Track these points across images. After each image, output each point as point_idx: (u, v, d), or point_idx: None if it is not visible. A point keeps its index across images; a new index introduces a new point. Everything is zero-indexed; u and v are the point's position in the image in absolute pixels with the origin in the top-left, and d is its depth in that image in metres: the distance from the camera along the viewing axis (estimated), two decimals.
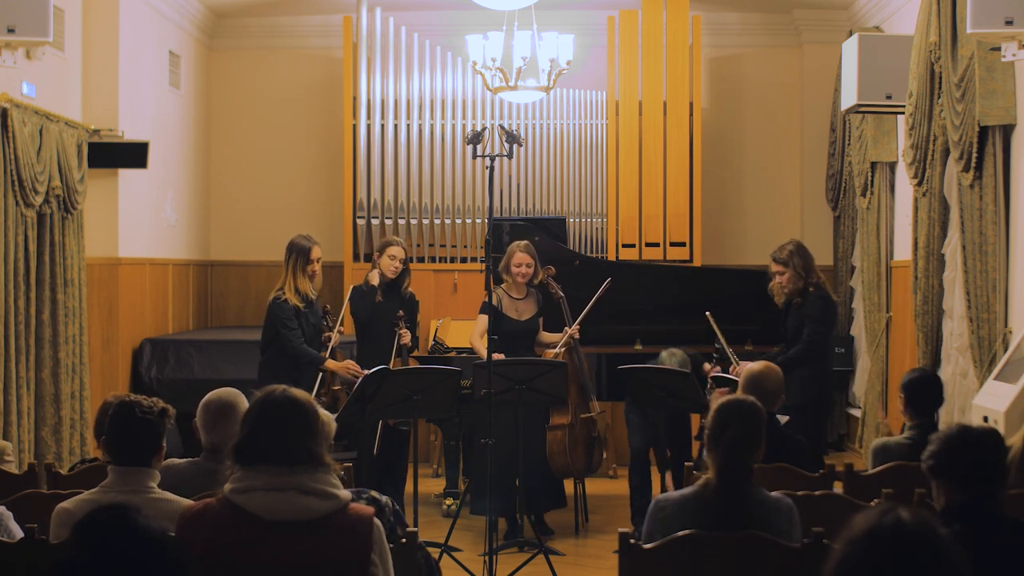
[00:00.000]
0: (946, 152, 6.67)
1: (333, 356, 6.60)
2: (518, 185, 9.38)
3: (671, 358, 6.37)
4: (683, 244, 9.21)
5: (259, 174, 10.17)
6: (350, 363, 6.57)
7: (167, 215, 9.05)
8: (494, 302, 6.33)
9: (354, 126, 9.34)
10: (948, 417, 6.50)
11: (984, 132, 6.12)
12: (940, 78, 6.56)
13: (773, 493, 3.43)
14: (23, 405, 6.57)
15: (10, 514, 3.45)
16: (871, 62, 7.31)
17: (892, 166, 8.43)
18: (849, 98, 7.50)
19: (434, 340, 7.91)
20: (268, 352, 6.58)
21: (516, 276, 6.70)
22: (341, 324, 6.86)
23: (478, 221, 9.34)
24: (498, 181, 8.71)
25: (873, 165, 8.44)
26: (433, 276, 9.17)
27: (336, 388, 6.55)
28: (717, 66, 10.04)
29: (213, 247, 10.23)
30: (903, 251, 7.99)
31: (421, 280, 8.26)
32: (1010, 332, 6.04)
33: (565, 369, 6.22)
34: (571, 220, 9.31)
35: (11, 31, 5.76)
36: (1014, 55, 5.53)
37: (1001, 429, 4.95)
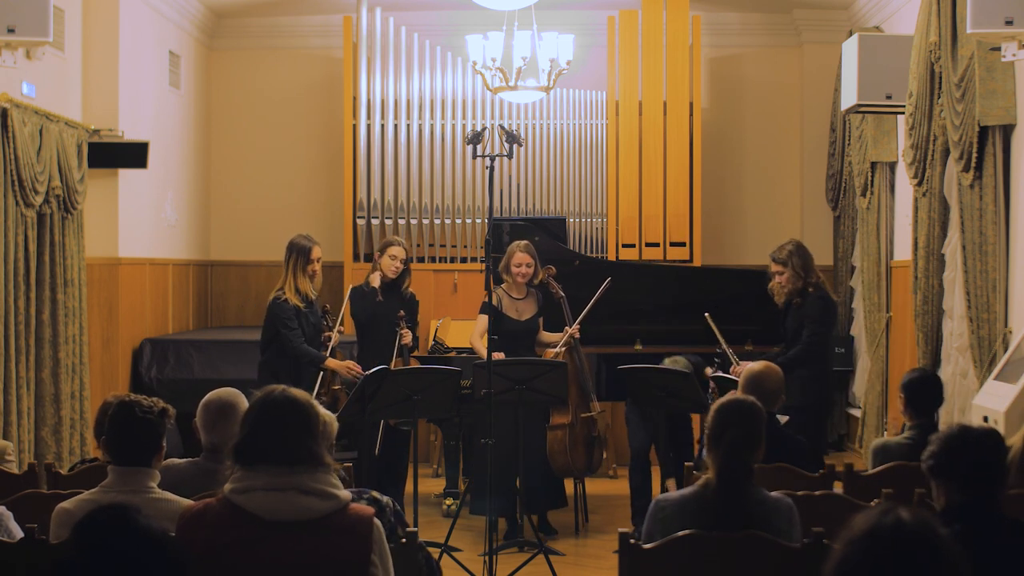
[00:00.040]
0: (946, 152, 6.67)
1: (333, 356, 6.60)
2: (518, 185, 9.38)
3: (674, 365, 6.36)
4: (683, 244, 9.21)
5: (259, 174, 10.17)
6: (351, 363, 6.57)
7: (167, 215, 9.05)
8: (494, 302, 6.33)
9: (354, 126, 9.33)
10: (948, 417, 6.50)
11: (984, 132, 6.12)
12: (940, 78, 6.56)
13: (773, 493, 3.43)
14: (23, 405, 6.58)
15: (10, 514, 3.45)
16: (871, 62, 7.31)
17: (892, 166, 8.42)
18: (849, 98, 7.50)
19: (434, 340, 7.90)
20: (268, 352, 6.58)
21: (516, 276, 6.70)
22: (341, 324, 6.86)
23: (478, 221, 9.34)
24: (498, 181, 8.71)
25: (873, 165, 8.44)
26: (433, 276, 9.17)
27: (336, 388, 6.54)
28: (717, 66, 10.04)
29: (213, 247, 10.23)
30: (903, 251, 7.99)
31: (421, 280, 8.26)
32: (1010, 332, 6.04)
33: (565, 369, 6.22)
34: (571, 220, 9.31)
35: (11, 31, 5.76)
36: (1014, 55, 5.53)
37: (1001, 429, 4.95)
